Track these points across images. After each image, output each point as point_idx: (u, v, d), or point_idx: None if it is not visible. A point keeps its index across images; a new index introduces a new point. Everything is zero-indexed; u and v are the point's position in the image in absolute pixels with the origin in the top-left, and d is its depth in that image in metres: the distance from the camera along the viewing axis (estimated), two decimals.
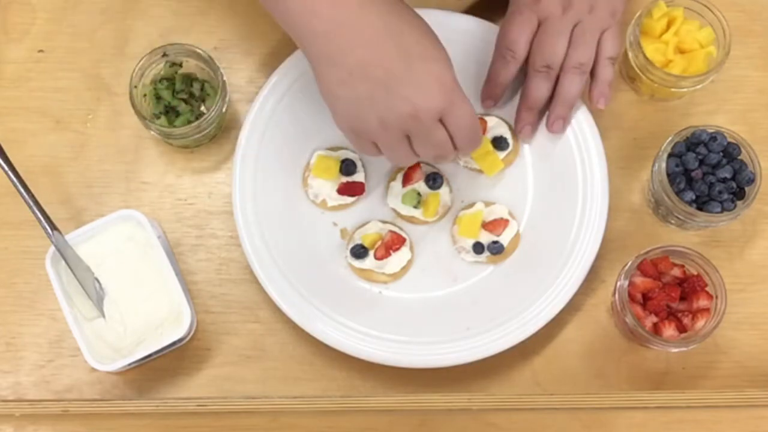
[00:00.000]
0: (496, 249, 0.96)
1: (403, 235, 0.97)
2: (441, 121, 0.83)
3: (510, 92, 1.00)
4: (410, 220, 0.98)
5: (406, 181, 0.98)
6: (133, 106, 0.96)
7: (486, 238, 0.97)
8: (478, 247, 0.96)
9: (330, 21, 0.81)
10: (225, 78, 0.97)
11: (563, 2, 0.94)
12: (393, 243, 0.96)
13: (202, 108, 1.00)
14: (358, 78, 0.81)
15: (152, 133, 0.97)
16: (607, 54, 0.95)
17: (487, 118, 0.99)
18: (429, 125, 0.83)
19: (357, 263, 0.97)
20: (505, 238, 0.97)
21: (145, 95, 0.98)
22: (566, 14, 0.94)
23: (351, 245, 0.97)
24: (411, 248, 0.97)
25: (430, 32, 0.84)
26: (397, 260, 0.96)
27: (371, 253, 0.96)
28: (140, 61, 0.97)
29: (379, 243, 0.96)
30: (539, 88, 0.95)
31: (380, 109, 0.82)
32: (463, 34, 1.00)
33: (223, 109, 0.98)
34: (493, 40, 0.99)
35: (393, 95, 0.81)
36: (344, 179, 0.98)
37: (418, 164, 0.98)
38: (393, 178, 0.99)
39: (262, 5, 0.85)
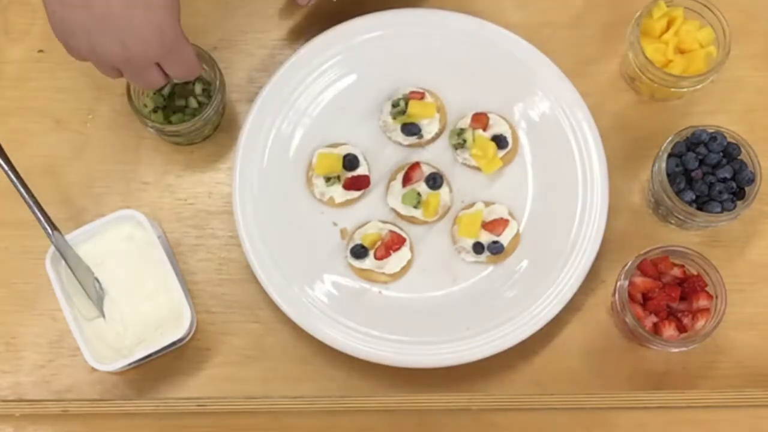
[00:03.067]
0: (496, 249, 0.96)
1: (403, 235, 0.97)
2: (157, 63, 0.85)
3: (505, 87, 1.00)
4: (410, 220, 0.98)
5: (406, 181, 0.98)
6: (129, 99, 0.95)
7: (486, 238, 0.97)
8: (478, 247, 0.96)
9: None
10: (223, 78, 0.97)
11: None
12: (393, 243, 0.96)
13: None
14: (77, 4, 0.80)
15: (149, 129, 0.97)
16: None
17: (489, 116, 0.99)
18: (140, 69, 0.84)
19: (357, 263, 0.97)
20: (505, 238, 0.97)
21: (143, 91, 0.98)
22: None
23: (351, 245, 0.97)
24: (411, 248, 0.97)
25: None
26: (397, 260, 0.96)
27: (371, 253, 0.96)
28: None
29: (379, 243, 0.96)
30: None
31: (93, 41, 0.82)
32: (463, 34, 1.00)
33: (218, 110, 0.98)
34: (494, 39, 1.00)
35: (108, 35, 0.81)
36: (348, 174, 0.98)
37: (418, 164, 0.98)
38: (393, 178, 0.99)
39: None
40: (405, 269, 0.97)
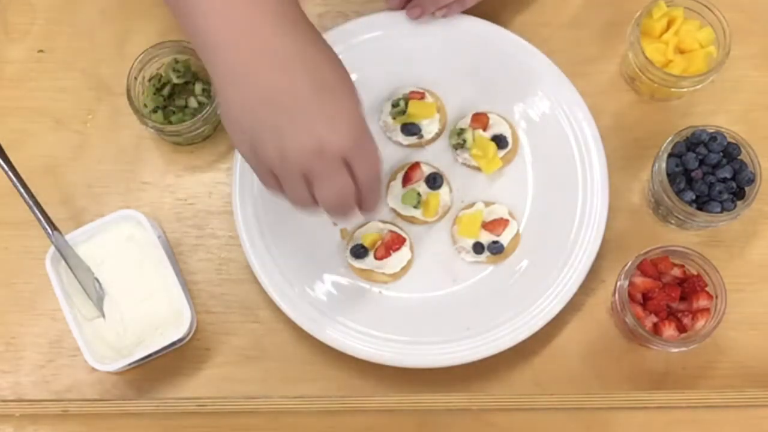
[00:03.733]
0: (496, 249, 0.96)
1: (403, 235, 0.97)
2: (346, 165, 0.77)
3: (505, 87, 1.00)
4: (410, 220, 0.98)
5: (406, 181, 0.98)
6: (129, 99, 0.95)
7: (486, 238, 0.97)
8: (478, 247, 0.96)
9: (241, 32, 0.75)
10: None
11: None
12: (393, 243, 0.96)
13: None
14: (263, 103, 0.75)
15: (149, 129, 0.97)
16: None
17: (489, 116, 0.99)
18: (332, 165, 0.76)
19: (357, 263, 0.96)
20: (505, 238, 0.97)
21: (143, 91, 0.98)
22: None
23: (351, 245, 0.97)
24: (411, 248, 0.97)
25: (342, 66, 0.79)
26: (397, 260, 0.96)
27: (371, 253, 0.96)
28: (140, 54, 0.97)
29: (379, 243, 0.96)
30: None
31: (282, 139, 0.75)
32: (463, 34, 1.00)
33: (219, 110, 0.98)
34: (494, 39, 1.00)
35: (298, 126, 0.74)
36: None
37: (418, 164, 0.98)
38: (393, 178, 0.99)
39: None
40: (405, 269, 0.97)
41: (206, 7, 0.75)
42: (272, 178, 0.79)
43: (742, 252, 0.99)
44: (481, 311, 0.95)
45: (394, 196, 0.98)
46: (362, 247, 0.96)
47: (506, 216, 0.97)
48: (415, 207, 0.98)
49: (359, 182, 0.78)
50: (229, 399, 0.94)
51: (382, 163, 0.80)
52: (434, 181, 0.98)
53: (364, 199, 0.79)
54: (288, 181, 0.78)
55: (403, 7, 0.98)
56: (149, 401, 0.94)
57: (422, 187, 0.98)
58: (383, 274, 0.97)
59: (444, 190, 0.98)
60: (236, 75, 0.75)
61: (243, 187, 0.97)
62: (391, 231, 0.97)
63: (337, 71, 0.78)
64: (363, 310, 0.95)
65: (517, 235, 0.97)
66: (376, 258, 0.96)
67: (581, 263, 0.95)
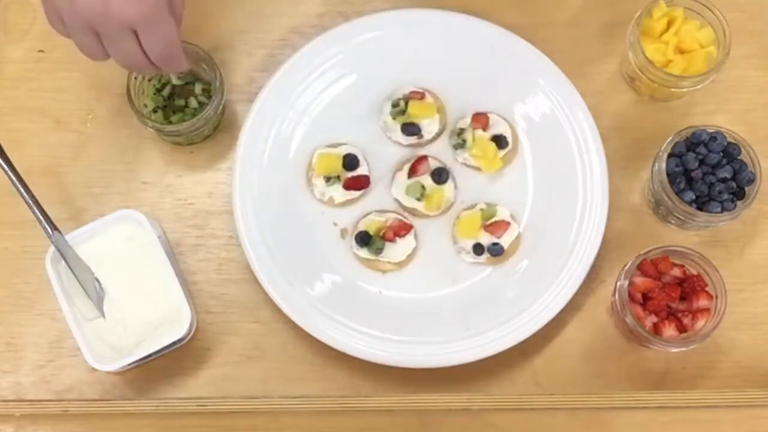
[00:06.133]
0: (496, 251, 0.96)
1: (409, 222, 0.97)
2: (136, 33, 0.82)
3: (505, 87, 1.00)
4: (412, 212, 0.98)
5: (411, 172, 0.98)
6: (129, 99, 0.95)
7: (486, 239, 0.97)
8: (478, 249, 0.96)
9: None
10: (223, 78, 0.97)
11: None
12: (400, 229, 0.96)
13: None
14: None
15: (149, 129, 0.97)
16: None
17: (489, 116, 0.99)
18: (116, 30, 0.81)
19: (361, 252, 0.96)
20: (505, 240, 0.97)
21: (144, 91, 0.99)
22: None
23: (356, 233, 0.97)
24: (416, 236, 0.97)
25: None
26: (402, 248, 0.96)
27: (376, 240, 0.96)
28: None
29: (386, 228, 0.96)
30: None
31: None
32: (463, 34, 1.00)
33: (218, 110, 0.98)
34: (494, 39, 1.00)
35: None
36: (348, 174, 0.98)
37: (425, 157, 0.98)
38: (399, 169, 0.99)
39: None
40: (410, 257, 0.97)
41: None
42: (60, 22, 0.84)
43: (742, 252, 0.99)
44: (481, 311, 0.95)
45: (399, 186, 0.98)
46: (367, 234, 0.96)
47: (507, 218, 0.97)
48: (418, 199, 0.97)
49: (149, 55, 0.83)
50: (229, 399, 0.94)
51: (175, 44, 0.84)
52: (440, 175, 0.98)
53: (160, 65, 0.85)
54: (73, 30, 0.83)
55: None
56: (149, 401, 0.94)
57: (427, 181, 0.98)
58: (388, 262, 0.96)
59: (448, 186, 0.98)
60: None
61: (243, 187, 0.97)
62: (397, 219, 0.97)
63: None
64: (363, 310, 0.95)
65: (517, 237, 0.97)
66: (385, 239, 0.96)
67: (581, 263, 0.95)
